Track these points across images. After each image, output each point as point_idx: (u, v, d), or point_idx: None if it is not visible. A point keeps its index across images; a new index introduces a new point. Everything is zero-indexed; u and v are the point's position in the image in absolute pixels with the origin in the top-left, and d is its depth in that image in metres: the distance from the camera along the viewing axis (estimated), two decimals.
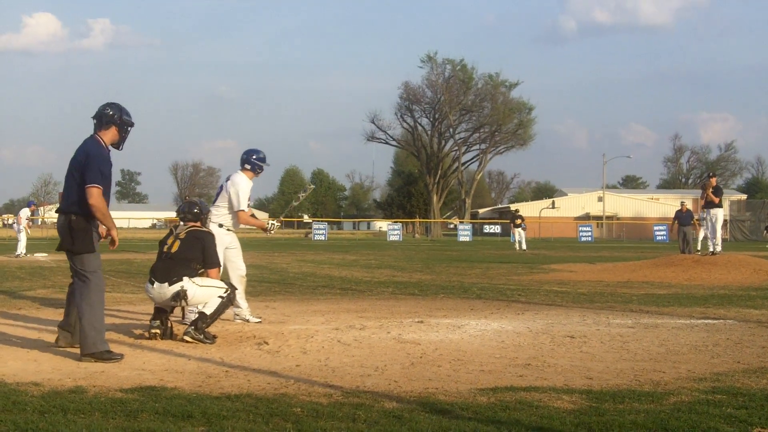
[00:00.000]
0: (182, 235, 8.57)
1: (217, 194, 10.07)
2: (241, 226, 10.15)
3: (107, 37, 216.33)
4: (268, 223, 10.21)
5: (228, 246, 9.83)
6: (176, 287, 8.23)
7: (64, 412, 5.22)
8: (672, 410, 5.37)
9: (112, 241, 7.54)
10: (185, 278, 8.27)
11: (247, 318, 9.88)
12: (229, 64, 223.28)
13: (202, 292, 8.34)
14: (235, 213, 9.85)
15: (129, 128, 7.77)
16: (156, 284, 8.32)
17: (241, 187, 9.83)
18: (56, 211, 7.64)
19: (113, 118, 7.62)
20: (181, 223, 8.86)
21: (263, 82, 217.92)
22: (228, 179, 10.00)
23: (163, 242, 8.67)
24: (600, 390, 6.03)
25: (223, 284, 8.58)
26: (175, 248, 8.48)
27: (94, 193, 7.28)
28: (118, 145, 7.73)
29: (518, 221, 40.53)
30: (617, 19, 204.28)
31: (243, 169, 10.02)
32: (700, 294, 14.22)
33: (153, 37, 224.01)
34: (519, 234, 40.18)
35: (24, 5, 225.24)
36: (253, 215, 10.09)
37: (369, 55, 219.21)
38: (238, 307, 9.91)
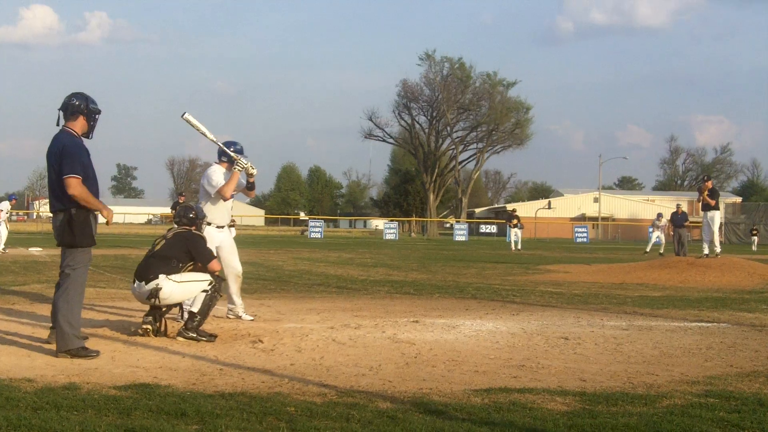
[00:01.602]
0: (169, 236, 8.57)
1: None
2: (231, 210, 10.09)
3: (104, 31, 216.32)
4: (239, 168, 9.74)
5: (220, 245, 9.78)
6: (151, 285, 8.19)
7: (57, 408, 5.21)
8: (665, 413, 5.38)
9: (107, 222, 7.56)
10: (162, 276, 8.22)
11: (240, 315, 9.87)
12: (225, 60, 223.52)
13: (181, 289, 8.26)
14: (217, 201, 9.74)
15: (96, 116, 7.70)
16: (136, 283, 8.32)
17: (212, 175, 9.76)
18: (51, 211, 7.56)
19: (80, 107, 7.55)
20: (175, 226, 8.85)
21: (260, 79, 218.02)
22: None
23: (153, 244, 8.67)
24: (593, 392, 6.04)
25: (206, 276, 8.43)
26: (159, 247, 8.48)
27: (72, 183, 7.24)
28: (87, 134, 7.66)
29: (514, 221, 40.64)
30: (614, 21, 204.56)
31: (220, 161, 9.91)
32: (694, 296, 14.24)
33: (150, 33, 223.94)
34: (515, 234, 40.30)
35: None
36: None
37: (367, 53, 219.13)
38: (232, 303, 9.89)
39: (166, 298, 8.25)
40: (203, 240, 8.70)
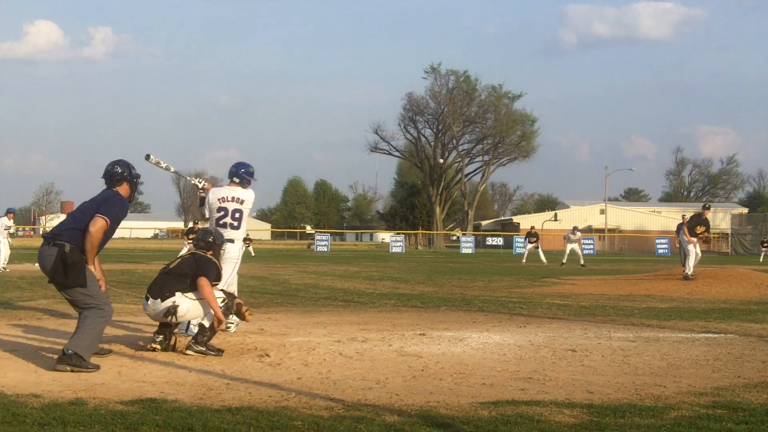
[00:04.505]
0: (186, 255, 8.63)
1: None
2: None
3: (108, 46, 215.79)
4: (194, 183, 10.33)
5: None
6: (168, 303, 8.18)
7: (63, 424, 5.22)
8: (672, 425, 5.37)
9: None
10: (177, 293, 8.24)
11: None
12: (230, 74, 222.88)
13: (196, 306, 8.27)
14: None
15: (138, 181, 8.07)
16: (150, 300, 8.30)
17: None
18: (45, 238, 7.63)
19: (124, 175, 7.88)
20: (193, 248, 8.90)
21: (266, 92, 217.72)
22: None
23: (169, 263, 8.70)
24: (601, 404, 6.03)
25: (219, 294, 8.49)
26: (174, 264, 8.50)
27: (99, 223, 7.45)
28: (130, 198, 7.98)
29: (533, 239, 41.19)
30: (616, 33, 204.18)
31: (231, 182, 10.00)
32: (701, 308, 14.21)
33: (155, 47, 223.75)
34: (535, 248, 40.54)
35: (25, 13, 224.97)
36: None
37: (372, 66, 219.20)
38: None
39: (183, 315, 8.29)
40: (214, 264, 8.65)
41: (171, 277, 8.36)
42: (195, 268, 8.37)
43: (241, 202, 9.88)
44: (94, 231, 7.42)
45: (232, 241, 9.77)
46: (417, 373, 7.37)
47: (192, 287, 8.30)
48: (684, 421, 5.46)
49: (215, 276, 8.52)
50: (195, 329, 8.48)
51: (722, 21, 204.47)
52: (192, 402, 5.98)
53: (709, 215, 21.28)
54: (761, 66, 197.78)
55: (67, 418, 5.36)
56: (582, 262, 36.31)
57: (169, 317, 8.22)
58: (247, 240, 49.56)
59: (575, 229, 38.59)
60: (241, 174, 9.97)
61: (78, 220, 7.57)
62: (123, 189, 7.87)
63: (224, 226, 9.80)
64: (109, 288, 15.52)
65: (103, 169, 7.85)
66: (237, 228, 9.88)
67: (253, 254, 46.10)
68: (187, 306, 8.23)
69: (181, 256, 8.66)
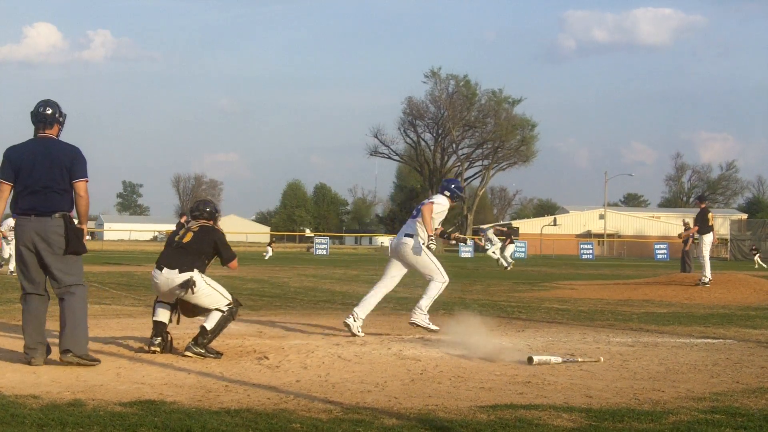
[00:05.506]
0: (195, 228, 8.56)
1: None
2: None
3: (108, 49, 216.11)
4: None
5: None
6: (186, 275, 8.12)
7: (62, 425, 5.21)
8: (671, 430, 5.37)
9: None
10: (196, 270, 8.22)
11: (425, 324, 10.75)
12: (230, 77, 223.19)
13: (207, 293, 8.22)
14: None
15: (65, 120, 7.76)
16: (165, 270, 8.21)
17: (436, 206, 10.68)
18: (36, 214, 7.39)
19: (55, 116, 7.62)
20: (192, 221, 8.83)
21: (266, 96, 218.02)
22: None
23: (174, 234, 8.67)
24: (599, 408, 6.02)
25: (229, 297, 8.45)
26: (187, 238, 8.45)
27: (86, 187, 7.47)
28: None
29: (507, 240, 38.64)
30: (615, 39, 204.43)
31: (443, 194, 10.88)
32: (700, 313, 14.20)
33: (154, 50, 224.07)
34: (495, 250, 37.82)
35: (24, 16, 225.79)
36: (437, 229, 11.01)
37: (373, 70, 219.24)
38: (422, 313, 10.88)
39: (196, 294, 8.18)
40: (225, 239, 8.77)
41: (188, 251, 8.32)
42: (213, 245, 8.49)
43: (431, 201, 10.67)
44: (85, 195, 7.47)
45: (411, 235, 10.79)
46: (415, 376, 7.37)
47: (204, 267, 8.39)
48: (682, 426, 5.47)
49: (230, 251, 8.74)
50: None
51: (721, 27, 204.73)
52: (191, 404, 5.98)
53: (704, 205, 20.66)
54: (761, 72, 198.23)
55: (65, 419, 5.36)
56: (502, 264, 35.66)
57: (185, 291, 8.14)
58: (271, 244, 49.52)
59: (485, 231, 37.54)
60: (452, 189, 10.99)
61: (61, 190, 7.40)
62: (54, 131, 7.60)
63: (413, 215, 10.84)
64: (109, 290, 15.52)
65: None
66: (414, 217, 10.85)
67: (267, 257, 46.00)
68: (201, 287, 8.18)
69: (190, 229, 8.58)
